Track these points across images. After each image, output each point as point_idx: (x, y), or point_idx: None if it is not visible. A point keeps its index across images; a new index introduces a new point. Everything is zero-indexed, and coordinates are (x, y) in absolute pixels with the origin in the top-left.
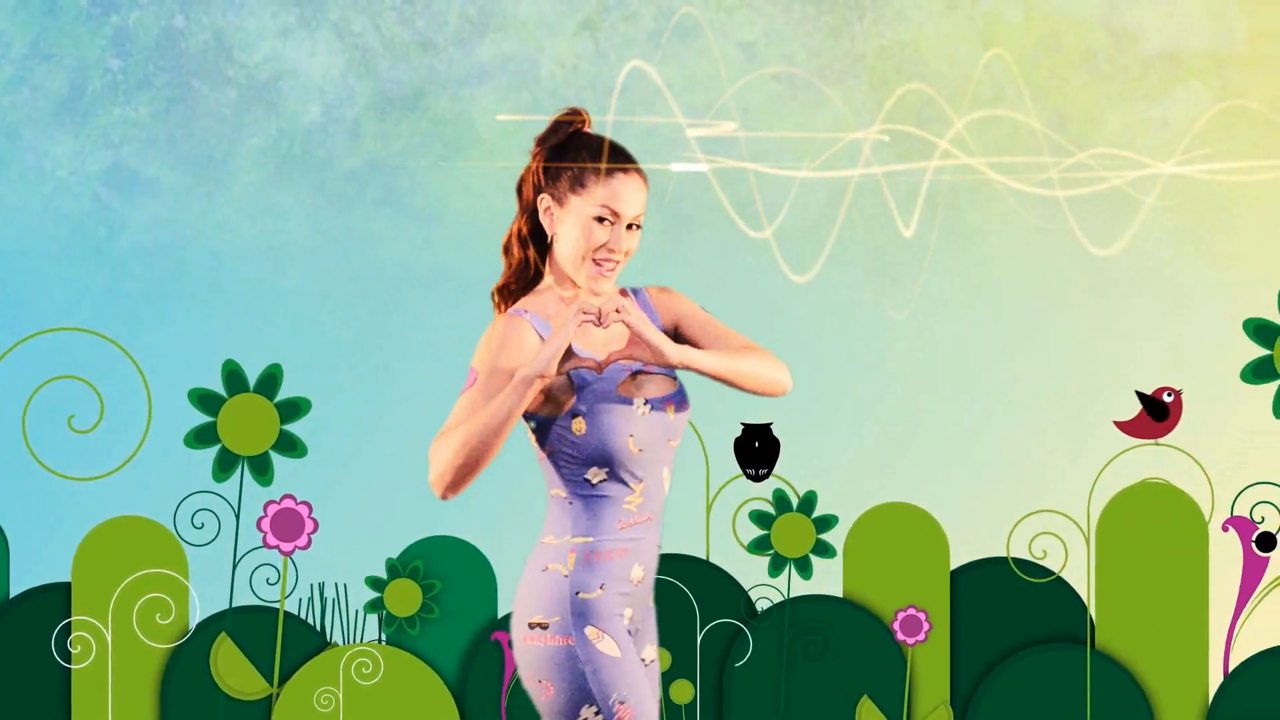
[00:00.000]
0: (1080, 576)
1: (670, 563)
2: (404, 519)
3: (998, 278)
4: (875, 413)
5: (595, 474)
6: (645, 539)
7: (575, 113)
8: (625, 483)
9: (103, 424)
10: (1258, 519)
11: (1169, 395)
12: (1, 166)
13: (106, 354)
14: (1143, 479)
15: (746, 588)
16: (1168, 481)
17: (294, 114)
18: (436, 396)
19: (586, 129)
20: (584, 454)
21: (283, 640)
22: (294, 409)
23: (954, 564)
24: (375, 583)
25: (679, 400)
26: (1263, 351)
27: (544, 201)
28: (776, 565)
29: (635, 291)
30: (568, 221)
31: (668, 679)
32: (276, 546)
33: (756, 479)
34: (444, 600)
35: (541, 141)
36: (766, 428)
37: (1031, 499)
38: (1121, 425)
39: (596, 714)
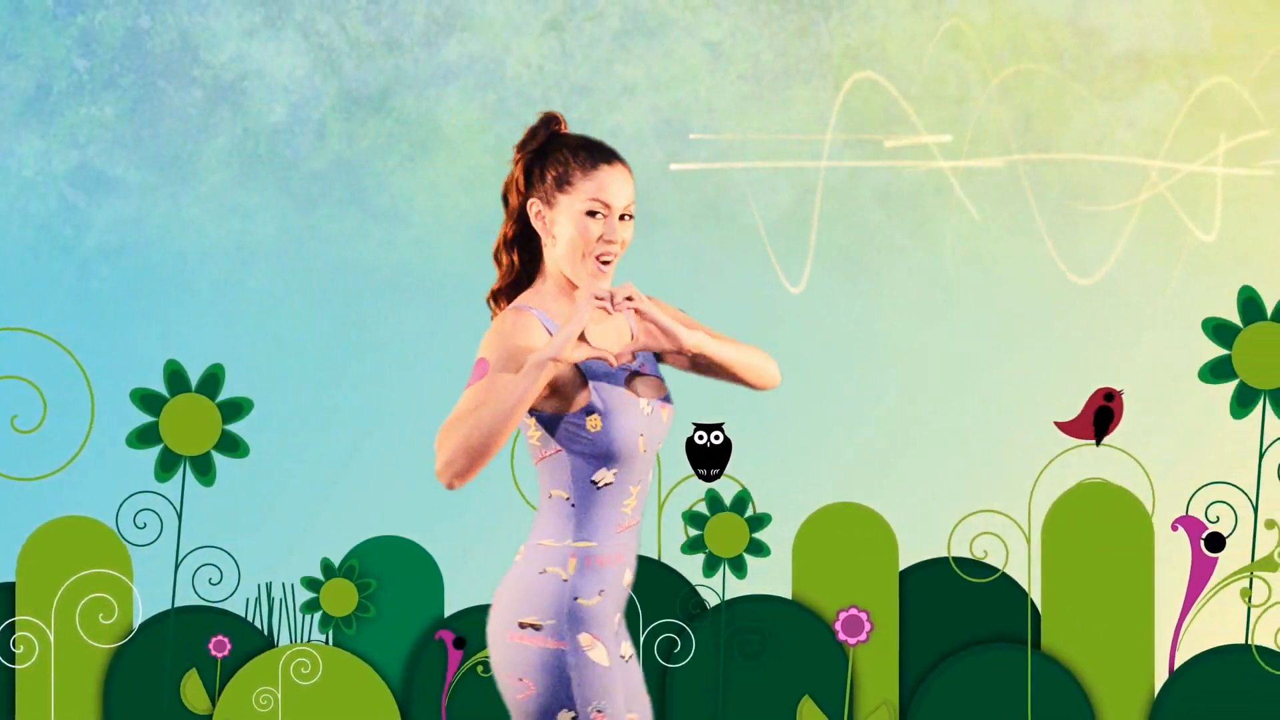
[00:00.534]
0: (1025, 576)
1: None
2: (351, 518)
3: (954, 279)
4: (827, 413)
5: (603, 475)
6: (634, 543)
7: (551, 116)
8: (627, 484)
9: (46, 423)
10: (1212, 519)
11: (1110, 396)
12: None
13: (49, 353)
14: (1088, 479)
15: (697, 586)
16: (1111, 481)
17: (260, 114)
18: (400, 394)
19: (564, 131)
20: (596, 452)
21: (234, 642)
22: (236, 409)
23: (903, 564)
24: (311, 583)
25: (668, 400)
26: (1221, 351)
27: (533, 206)
28: (711, 565)
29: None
30: (560, 221)
31: None
32: None
33: (708, 479)
34: (390, 600)
35: (521, 147)
36: (718, 427)
37: (983, 498)
38: (1063, 426)
39: (573, 719)
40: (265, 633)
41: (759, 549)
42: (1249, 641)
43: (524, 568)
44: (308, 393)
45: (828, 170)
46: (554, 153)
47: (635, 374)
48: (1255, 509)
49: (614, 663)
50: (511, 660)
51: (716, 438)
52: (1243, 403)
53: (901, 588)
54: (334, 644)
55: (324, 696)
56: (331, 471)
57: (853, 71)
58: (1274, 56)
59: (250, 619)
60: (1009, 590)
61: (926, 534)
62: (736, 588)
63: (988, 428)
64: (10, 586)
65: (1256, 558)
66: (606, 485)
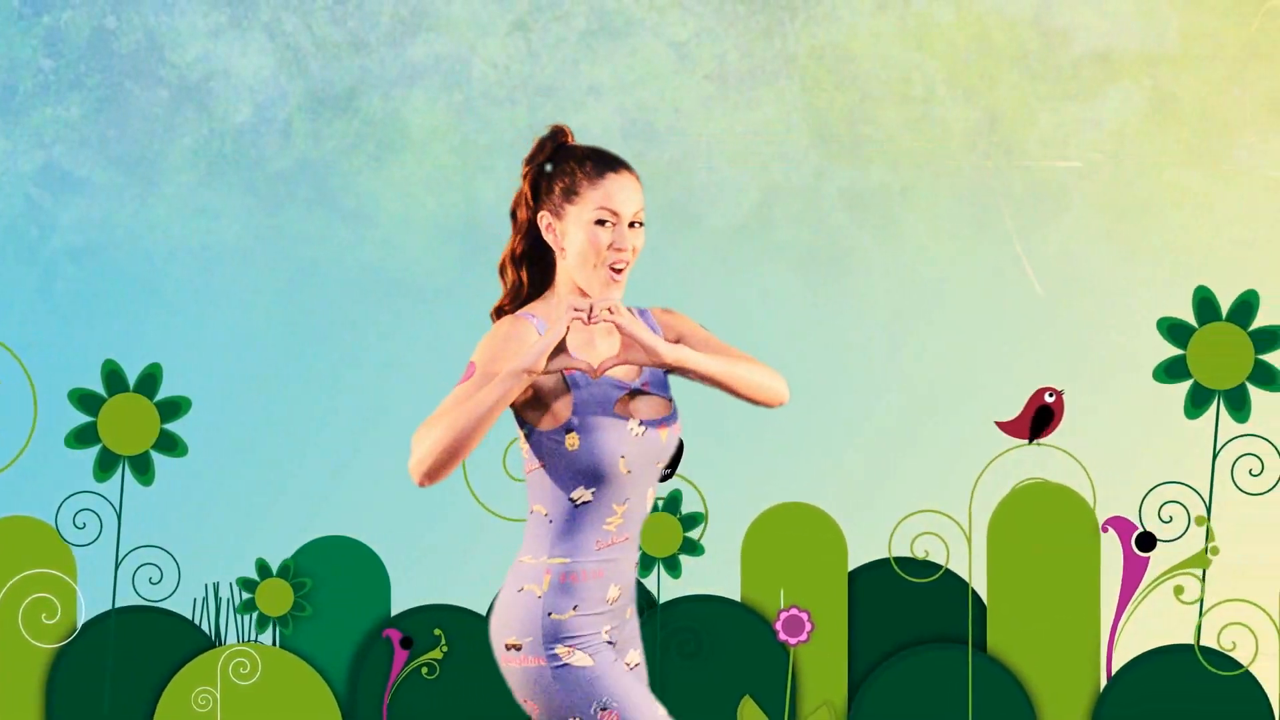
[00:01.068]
0: (972, 577)
1: None
2: (296, 518)
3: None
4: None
5: (580, 494)
6: (621, 559)
7: (558, 129)
8: (609, 503)
9: None
10: (1165, 519)
11: (1051, 395)
12: None
13: None
14: (1032, 479)
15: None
16: (1059, 481)
17: (225, 114)
18: (367, 395)
19: (570, 142)
20: (573, 470)
21: (173, 642)
22: (174, 408)
23: (853, 564)
24: (247, 583)
25: (672, 421)
26: (1176, 351)
27: (544, 219)
28: (645, 565)
29: (641, 311)
30: (570, 232)
31: None
32: None
33: (662, 479)
34: (336, 600)
35: (529, 161)
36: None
37: (930, 498)
38: (1003, 425)
39: None
40: (212, 634)
41: (693, 548)
42: (1194, 641)
43: (507, 587)
44: (268, 393)
45: (793, 171)
46: (561, 164)
47: (637, 392)
48: (1208, 509)
49: (601, 661)
50: (513, 683)
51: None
52: (1197, 403)
53: (851, 587)
54: (281, 645)
55: (264, 697)
56: (278, 471)
57: (818, 72)
58: (1238, 56)
59: (197, 620)
60: (958, 590)
61: (877, 534)
62: (678, 588)
63: (940, 427)
64: None
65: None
66: (585, 503)
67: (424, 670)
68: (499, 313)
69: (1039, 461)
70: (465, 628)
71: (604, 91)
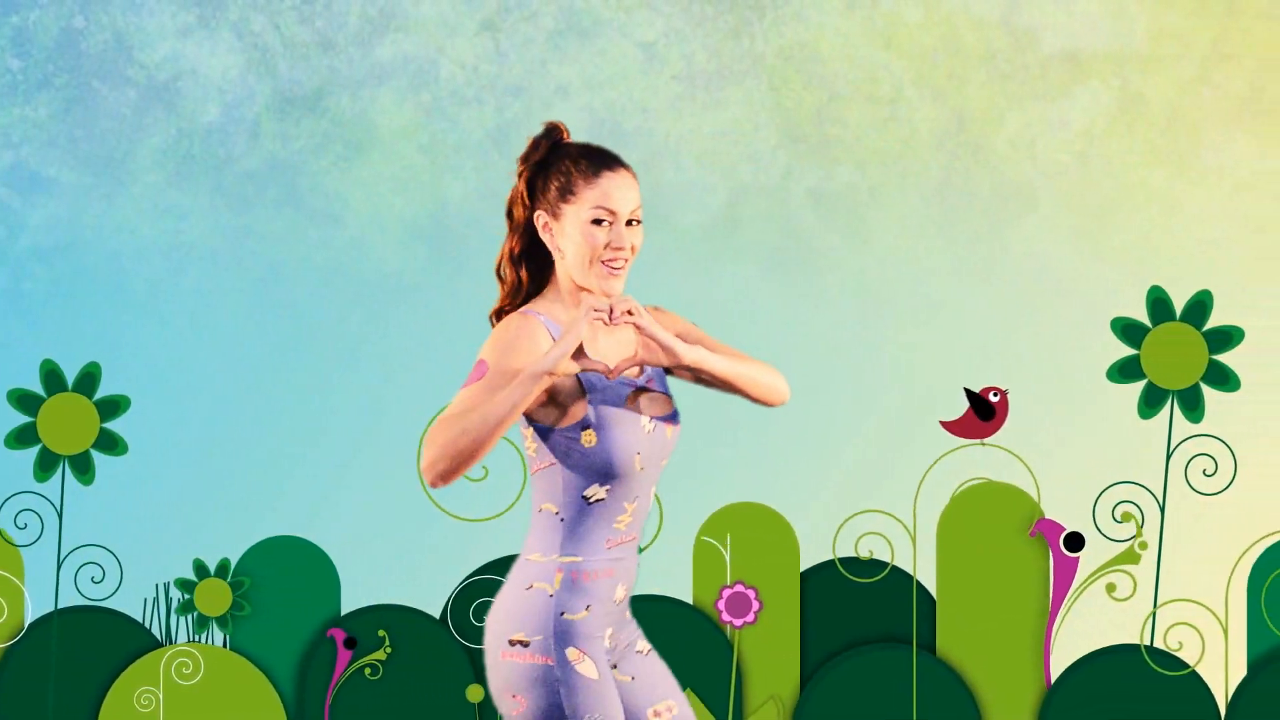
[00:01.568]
0: (922, 576)
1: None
2: (241, 518)
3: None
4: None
5: (594, 491)
6: (628, 558)
7: (554, 127)
8: (621, 501)
9: None
10: (1119, 519)
11: (995, 395)
12: None
13: None
14: (979, 479)
15: None
16: (1008, 482)
17: (194, 114)
18: (328, 393)
19: (566, 140)
20: (590, 468)
21: (117, 642)
22: (113, 407)
23: (805, 564)
24: (185, 584)
25: (675, 418)
26: (1130, 351)
27: (540, 218)
28: None
29: None
30: (567, 231)
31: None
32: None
33: None
34: (284, 599)
35: (524, 160)
36: None
37: (883, 498)
38: (947, 425)
39: None
40: (163, 635)
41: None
42: (1139, 641)
43: (513, 583)
44: (233, 392)
45: (761, 171)
46: (556, 163)
47: (641, 390)
48: (1162, 510)
49: (604, 675)
50: (504, 678)
51: None
52: (1150, 403)
53: (804, 587)
54: (230, 645)
55: (207, 697)
56: (229, 471)
57: (786, 72)
58: (1206, 57)
59: (147, 621)
60: (909, 590)
61: (829, 533)
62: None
63: (896, 427)
64: None
65: (1162, 558)
66: (598, 501)
67: (367, 671)
68: (498, 315)
69: (987, 462)
70: (413, 628)
71: (572, 91)
